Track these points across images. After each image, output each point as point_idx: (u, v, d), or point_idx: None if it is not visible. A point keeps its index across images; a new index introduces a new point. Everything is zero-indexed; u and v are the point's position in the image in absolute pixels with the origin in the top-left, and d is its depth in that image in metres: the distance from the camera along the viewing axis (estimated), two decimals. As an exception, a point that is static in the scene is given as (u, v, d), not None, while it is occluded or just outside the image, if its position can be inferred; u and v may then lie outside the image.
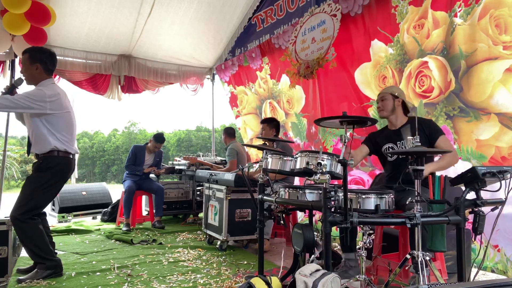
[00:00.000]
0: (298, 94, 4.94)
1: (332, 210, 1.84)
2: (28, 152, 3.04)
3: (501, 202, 1.96)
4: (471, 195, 1.94)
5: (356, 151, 2.93)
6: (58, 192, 3.10)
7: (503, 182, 1.87)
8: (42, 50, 3.00)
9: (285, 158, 2.35)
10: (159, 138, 5.29)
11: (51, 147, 2.88)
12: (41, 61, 2.92)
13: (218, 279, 2.86)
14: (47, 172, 2.89)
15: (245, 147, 5.28)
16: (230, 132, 5.15)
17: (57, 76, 5.64)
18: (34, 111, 2.81)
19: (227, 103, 6.84)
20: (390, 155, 2.76)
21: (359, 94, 3.92)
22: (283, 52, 4.84)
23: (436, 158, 2.76)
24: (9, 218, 2.93)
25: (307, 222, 2.61)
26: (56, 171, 2.92)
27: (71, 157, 3.02)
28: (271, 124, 4.18)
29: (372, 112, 3.80)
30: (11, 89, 2.94)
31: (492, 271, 2.84)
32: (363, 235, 1.99)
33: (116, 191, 6.98)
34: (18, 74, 5.18)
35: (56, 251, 3.13)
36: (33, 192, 2.85)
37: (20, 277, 2.79)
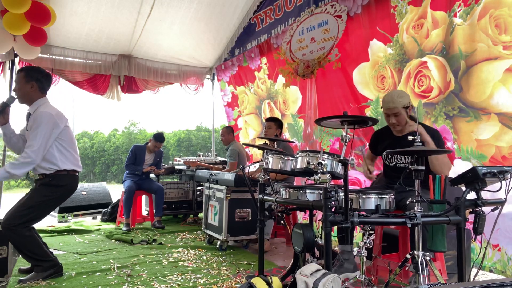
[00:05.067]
0: (294, 95, 4.95)
1: (333, 210, 1.84)
2: (27, 174, 2.94)
3: (502, 202, 1.97)
4: (471, 195, 1.95)
5: (368, 156, 2.99)
6: (57, 207, 3.04)
7: (503, 182, 1.87)
8: (38, 69, 2.97)
9: (285, 158, 2.35)
10: (159, 137, 5.29)
11: (61, 167, 2.84)
12: (37, 80, 2.87)
13: (218, 279, 2.86)
14: (58, 189, 2.87)
15: (247, 147, 5.29)
16: (232, 131, 5.18)
17: (57, 76, 5.64)
18: (56, 132, 2.80)
19: (223, 107, 6.87)
20: (388, 160, 2.72)
21: (356, 94, 3.93)
22: (276, 51, 4.85)
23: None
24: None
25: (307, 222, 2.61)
26: (65, 189, 2.91)
27: (77, 175, 3.02)
28: (277, 123, 4.25)
29: (369, 112, 3.80)
30: (3, 108, 2.85)
31: (490, 271, 2.84)
32: (363, 235, 1.99)
33: (116, 191, 6.98)
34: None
35: (51, 250, 3.10)
36: (37, 205, 2.81)
37: (21, 278, 2.78)
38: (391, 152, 2.65)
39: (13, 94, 2.94)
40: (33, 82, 2.87)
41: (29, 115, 2.90)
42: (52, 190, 2.86)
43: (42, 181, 2.87)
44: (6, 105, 2.87)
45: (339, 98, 4.13)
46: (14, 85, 2.96)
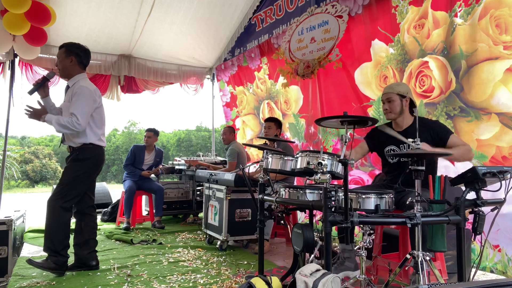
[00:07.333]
0: (296, 95, 4.94)
1: (333, 210, 1.84)
2: (61, 143, 3.13)
3: (501, 202, 1.96)
4: (471, 195, 1.94)
5: (357, 148, 2.85)
6: (92, 183, 3.18)
7: (503, 182, 1.87)
8: (78, 45, 3.13)
9: (285, 158, 2.35)
10: (148, 128, 5.37)
11: (88, 141, 2.98)
12: (76, 54, 3.06)
13: (218, 279, 2.86)
14: (85, 163, 3.00)
15: (245, 147, 5.30)
16: (233, 131, 5.21)
17: (56, 77, 5.63)
18: (94, 107, 2.98)
19: (222, 107, 6.88)
20: (391, 157, 2.70)
21: (358, 94, 3.92)
22: (275, 50, 4.85)
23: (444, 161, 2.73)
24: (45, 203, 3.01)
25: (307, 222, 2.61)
26: (92, 161, 3.03)
27: (103, 149, 3.15)
28: (277, 123, 4.28)
29: (372, 112, 3.80)
30: (43, 82, 3.04)
31: (491, 271, 2.84)
32: (363, 235, 1.99)
33: (116, 191, 6.98)
34: (18, 74, 5.19)
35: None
36: (70, 182, 2.96)
37: (32, 259, 2.91)
38: (393, 149, 2.66)
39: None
40: (72, 56, 3.04)
41: (67, 88, 3.08)
42: (79, 164, 3.00)
43: (70, 158, 3.02)
44: (46, 80, 3.06)
45: (342, 98, 4.13)
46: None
